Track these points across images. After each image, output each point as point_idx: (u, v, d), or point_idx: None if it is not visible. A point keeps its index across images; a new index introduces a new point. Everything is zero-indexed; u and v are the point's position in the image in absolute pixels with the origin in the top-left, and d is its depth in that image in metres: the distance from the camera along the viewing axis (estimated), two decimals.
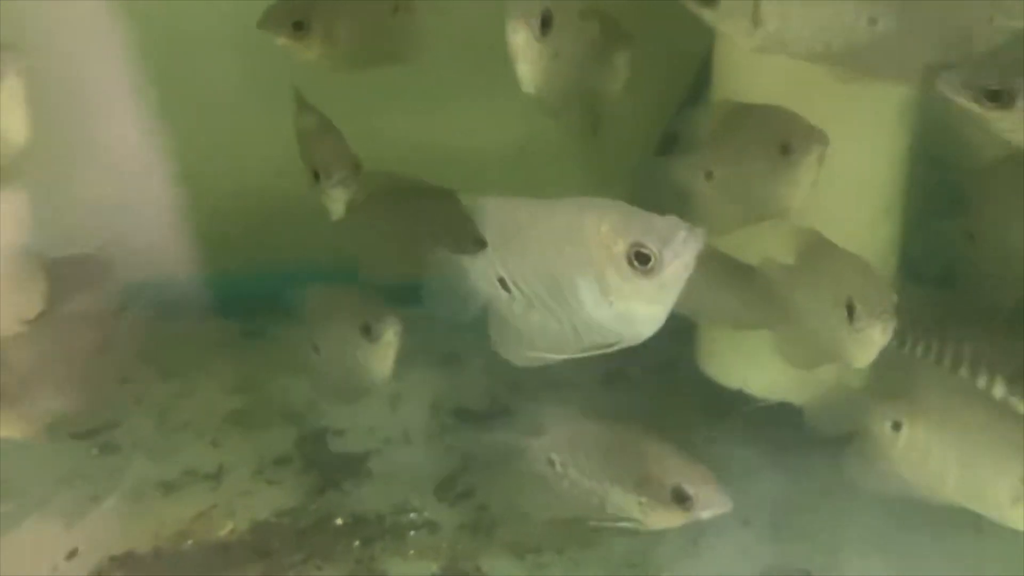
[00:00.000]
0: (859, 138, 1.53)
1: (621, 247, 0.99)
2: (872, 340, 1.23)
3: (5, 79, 1.13)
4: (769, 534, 1.49)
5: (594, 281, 1.03)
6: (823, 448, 1.62)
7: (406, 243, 1.36)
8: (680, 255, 0.98)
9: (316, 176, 1.36)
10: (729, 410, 1.70)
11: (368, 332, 1.39)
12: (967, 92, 1.13)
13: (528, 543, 1.49)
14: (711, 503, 1.23)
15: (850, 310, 1.24)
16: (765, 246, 1.42)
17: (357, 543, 1.48)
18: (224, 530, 1.51)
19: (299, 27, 1.38)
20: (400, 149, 1.97)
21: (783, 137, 1.34)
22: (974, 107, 1.13)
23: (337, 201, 1.36)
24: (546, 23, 1.16)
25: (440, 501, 1.56)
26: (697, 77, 1.80)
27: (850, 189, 1.55)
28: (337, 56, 1.43)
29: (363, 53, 1.45)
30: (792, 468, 1.62)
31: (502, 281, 1.12)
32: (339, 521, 1.52)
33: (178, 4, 1.80)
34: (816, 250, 1.34)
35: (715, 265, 1.49)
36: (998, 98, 1.12)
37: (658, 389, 1.85)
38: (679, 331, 1.73)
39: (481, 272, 1.14)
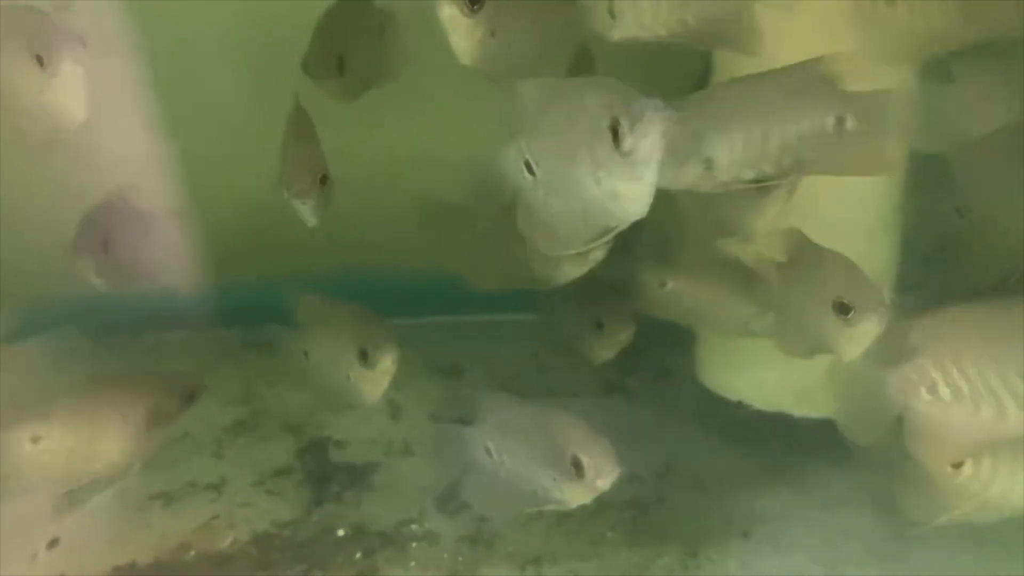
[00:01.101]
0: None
1: (604, 125, 1.02)
2: (864, 334, 1.25)
3: (65, 63, 1.18)
4: (769, 547, 1.50)
5: (588, 159, 1.05)
6: (822, 460, 1.64)
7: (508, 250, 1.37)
8: (647, 134, 1.00)
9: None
10: (728, 422, 1.71)
11: (365, 358, 1.37)
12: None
13: (528, 554, 1.49)
14: (603, 471, 1.22)
15: (841, 307, 1.25)
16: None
17: (358, 555, 1.48)
18: (225, 541, 1.51)
19: (340, 68, 1.46)
20: (399, 161, 2.00)
21: None
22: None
23: (302, 211, 1.40)
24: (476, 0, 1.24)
25: (440, 512, 1.56)
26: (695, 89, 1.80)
27: (848, 204, 1.56)
28: (345, 86, 1.49)
29: (363, 79, 1.50)
30: (791, 480, 1.62)
31: (528, 165, 1.15)
32: (340, 532, 1.52)
33: (183, 11, 1.81)
34: (801, 249, 1.36)
35: (719, 270, 1.52)
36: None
37: (657, 401, 1.86)
38: (678, 342, 1.75)
39: (512, 159, 1.17)
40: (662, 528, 1.53)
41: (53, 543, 1.33)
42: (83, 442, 1.29)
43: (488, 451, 1.34)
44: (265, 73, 1.83)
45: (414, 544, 1.50)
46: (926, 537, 1.48)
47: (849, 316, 1.25)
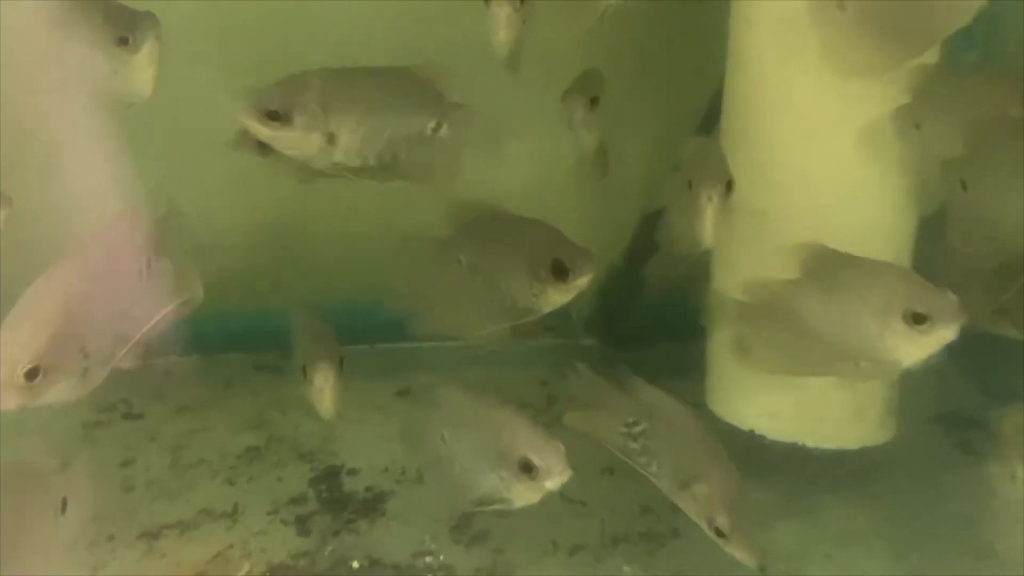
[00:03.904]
0: (869, 185, 1.55)
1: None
2: (941, 339, 1.30)
3: (147, 41, 1.31)
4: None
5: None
6: (837, 494, 1.65)
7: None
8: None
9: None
10: (740, 453, 1.70)
11: (304, 373, 1.52)
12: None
13: None
14: (553, 473, 1.23)
15: (915, 316, 1.30)
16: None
17: None
18: (241, 572, 1.51)
19: None
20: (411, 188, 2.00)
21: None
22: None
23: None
24: None
25: (456, 544, 1.56)
26: (707, 114, 1.81)
27: (859, 236, 1.57)
28: None
29: None
30: (806, 514, 1.62)
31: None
32: (355, 564, 1.52)
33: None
34: (831, 261, 1.41)
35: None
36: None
37: None
38: (689, 370, 1.76)
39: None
40: (678, 561, 1.53)
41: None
42: None
43: (443, 439, 1.36)
44: None
45: None
46: (945, 573, 1.49)
47: (924, 325, 1.29)
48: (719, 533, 1.26)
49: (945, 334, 1.29)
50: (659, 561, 1.53)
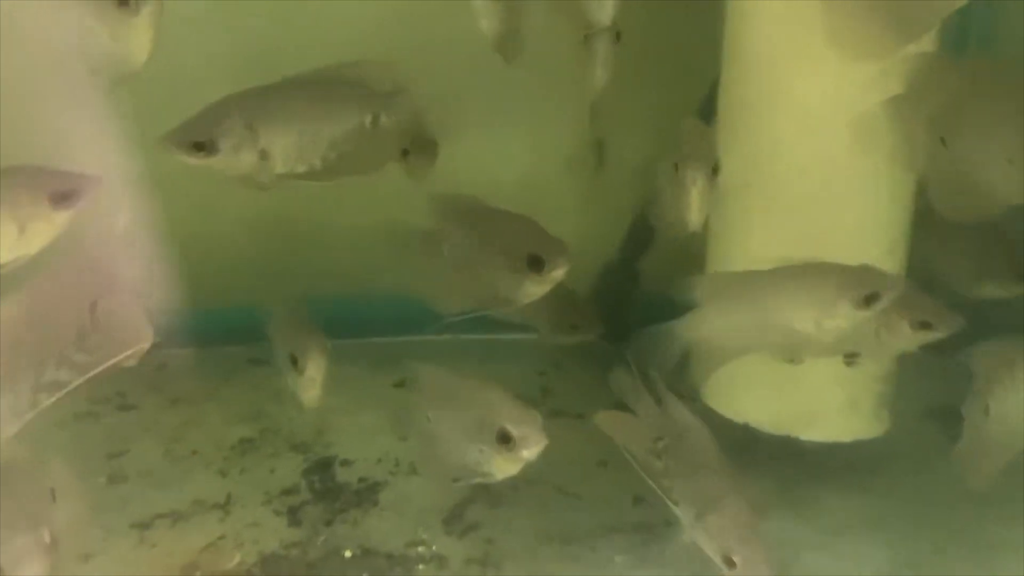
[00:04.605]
0: (865, 177, 1.55)
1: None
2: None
3: (148, 4, 1.26)
4: (780, 572, 1.49)
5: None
6: (830, 485, 1.65)
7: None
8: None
9: None
10: (734, 445, 1.70)
11: (295, 364, 1.52)
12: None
13: None
14: (529, 442, 1.24)
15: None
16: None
17: None
18: (233, 562, 1.50)
19: None
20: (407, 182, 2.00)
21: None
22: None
23: None
24: None
25: (448, 534, 1.56)
26: (703, 108, 1.82)
27: (855, 228, 1.58)
28: None
29: None
30: (800, 505, 1.62)
31: None
32: (348, 554, 1.52)
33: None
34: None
35: None
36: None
37: None
38: (684, 363, 1.75)
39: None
40: (670, 552, 1.51)
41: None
42: None
43: (428, 420, 1.38)
44: None
45: (421, 566, 1.50)
46: (935, 561, 1.49)
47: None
48: (730, 563, 1.26)
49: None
50: (652, 552, 1.53)
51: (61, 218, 1.20)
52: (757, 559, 1.24)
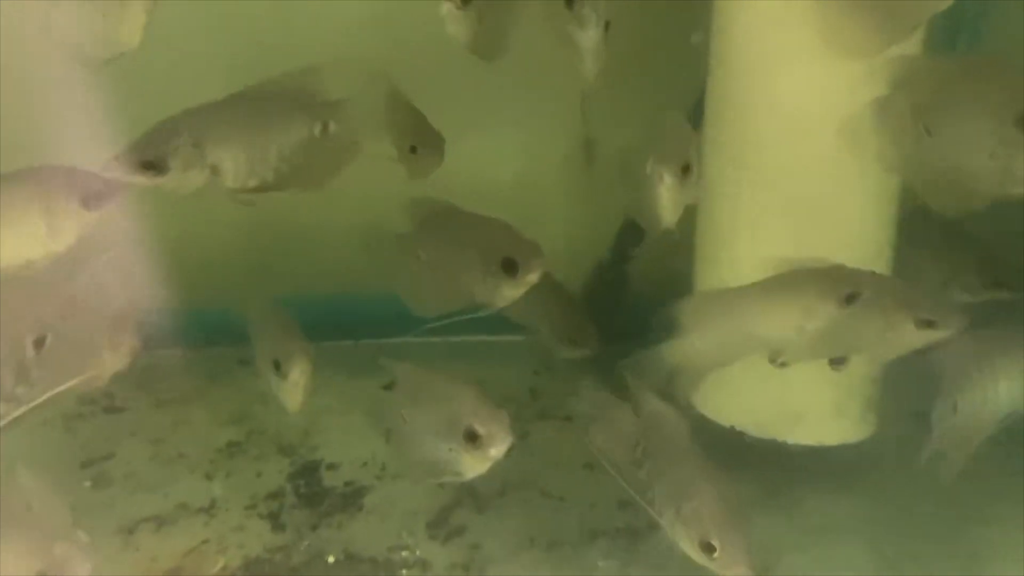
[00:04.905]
0: (853, 178, 1.55)
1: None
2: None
3: None
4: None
5: None
6: (816, 488, 1.64)
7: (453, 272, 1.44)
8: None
9: None
10: (721, 448, 1.70)
11: (278, 368, 1.51)
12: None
13: None
14: (496, 440, 1.25)
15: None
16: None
17: None
18: (216, 566, 1.50)
19: None
20: (402, 180, 2.00)
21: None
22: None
23: None
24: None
25: (432, 539, 1.56)
26: (694, 111, 1.81)
27: (843, 229, 1.57)
28: None
29: None
30: (785, 507, 1.62)
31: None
32: (331, 559, 1.52)
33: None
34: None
35: None
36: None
37: None
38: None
39: None
40: (655, 556, 1.52)
41: None
42: None
43: (403, 418, 1.38)
44: None
45: (404, 571, 1.50)
46: (920, 562, 1.49)
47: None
48: (709, 548, 1.25)
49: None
50: (637, 556, 1.53)
51: (90, 218, 1.25)
52: (736, 542, 1.23)
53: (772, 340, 1.40)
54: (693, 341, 1.44)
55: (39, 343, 1.22)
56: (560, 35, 1.53)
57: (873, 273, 1.45)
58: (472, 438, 1.25)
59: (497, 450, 1.25)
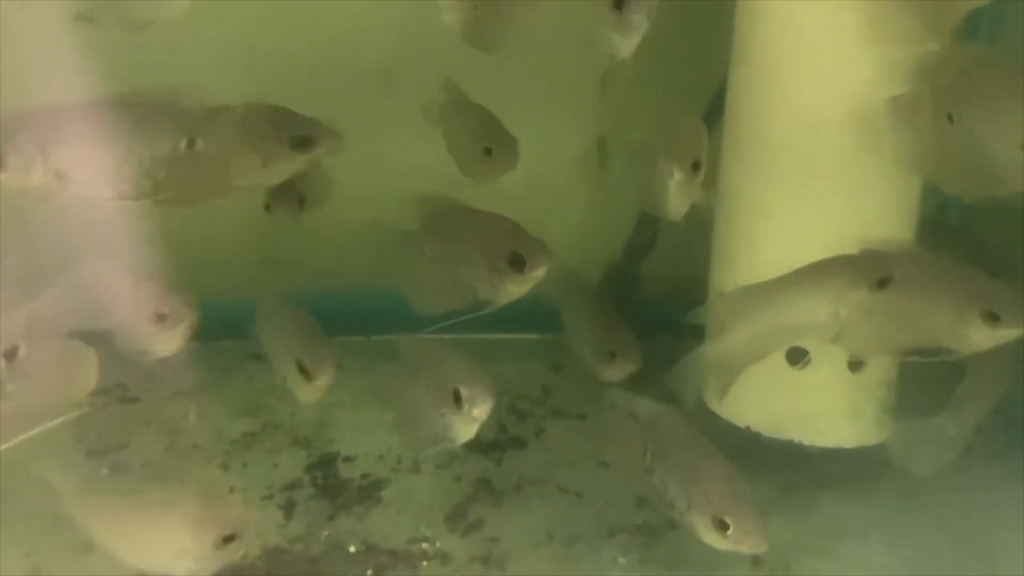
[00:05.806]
0: (874, 177, 1.56)
1: None
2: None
3: None
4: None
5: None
6: (832, 490, 1.65)
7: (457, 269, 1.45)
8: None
9: None
10: (736, 448, 1.71)
11: (302, 370, 1.50)
12: None
13: None
14: (478, 401, 1.29)
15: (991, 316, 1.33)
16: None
17: (369, 572, 1.47)
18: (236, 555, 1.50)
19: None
20: (411, 180, 2.00)
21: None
22: None
23: None
24: None
25: (451, 532, 1.56)
26: (709, 110, 1.82)
27: (863, 228, 1.57)
28: None
29: None
30: (801, 509, 1.62)
31: None
32: (351, 549, 1.52)
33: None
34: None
35: None
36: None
37: None
38: None
39: None
40: (673, 554, 1.53)
41: None
42: None
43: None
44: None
45: (425, 563, 1.50)
46: (935, 564, 1.50)
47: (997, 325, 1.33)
48: (723, 526, 1.26)
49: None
50: (655, 553, 1.53)
51: (300, 160, 1.35)
52: (749, 516, 1.26)
53: (808, 328, 1.40)
54: (731, 338, 1.44)
55: (13, 355, 1.24)
56: (590, 34, 1.54)
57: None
58: (457, 400, 1.29)
59: (480, 411, 1.29)
